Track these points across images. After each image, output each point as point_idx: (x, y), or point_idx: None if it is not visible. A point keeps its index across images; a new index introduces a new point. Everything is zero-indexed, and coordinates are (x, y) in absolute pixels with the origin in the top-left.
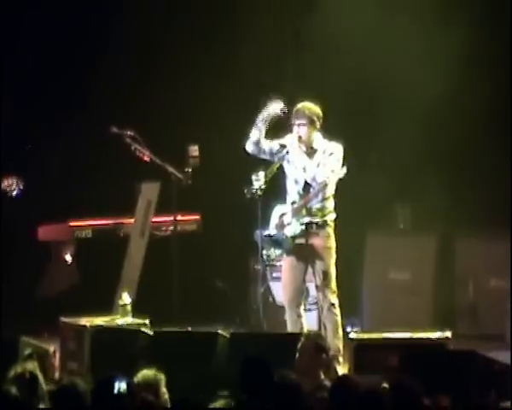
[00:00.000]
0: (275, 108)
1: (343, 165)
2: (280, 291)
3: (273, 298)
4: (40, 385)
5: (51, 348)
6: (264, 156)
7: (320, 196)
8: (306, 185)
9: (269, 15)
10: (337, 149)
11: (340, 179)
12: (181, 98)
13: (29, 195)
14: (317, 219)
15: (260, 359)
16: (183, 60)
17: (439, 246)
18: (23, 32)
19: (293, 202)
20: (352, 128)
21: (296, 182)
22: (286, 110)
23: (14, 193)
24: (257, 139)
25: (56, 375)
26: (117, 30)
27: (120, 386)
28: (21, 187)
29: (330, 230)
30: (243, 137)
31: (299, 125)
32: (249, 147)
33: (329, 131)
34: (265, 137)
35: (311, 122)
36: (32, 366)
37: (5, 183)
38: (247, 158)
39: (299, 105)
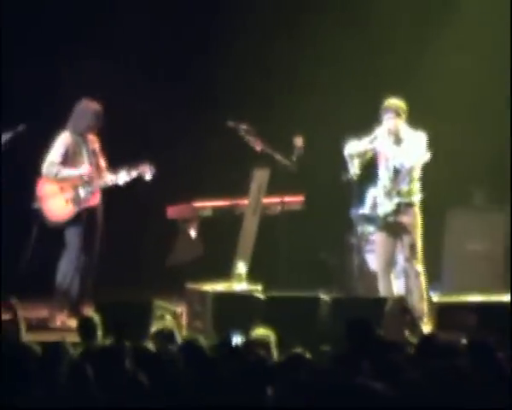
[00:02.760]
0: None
1: (427, 151)
2: (373, 262)
3: (368, 268)
4: (176, 340)
5: (179, 310)
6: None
7: (407, 180)
8: (396, 170)
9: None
10: (421, 137)
11: (425, 164)
12: (288, 91)
13: (160, 179)
14: (405, 200)
15: (364, 319)
16: (291, 57)
17: (509, 221)
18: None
19: (384, 185)
20: (434, 117)
21: (387, 168)
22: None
23: (148, 177)
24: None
25: (184, 332)
26: (232, 30)
27: (237, 341)
28: (153, 172)
29: (416, 209)
30: (342, 128)
31: (387, 119)
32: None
33: (413, 122)
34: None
35: (398, 115)
36: (170, 324)
37: (140, 168)
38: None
39: (387, 102)
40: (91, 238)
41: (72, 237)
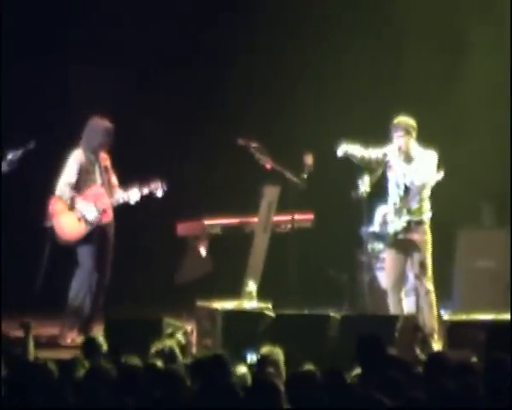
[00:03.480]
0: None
1: (438, 170)
2: (383, 279)
3: (378, 285)
4: (178, 358)
5: (189, 328)
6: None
7: (418, 198)
8: (406, 189)
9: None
10: (432, 156)
11: (436, 183)
12: (299, 108)
13: (171, 196)
14: (415, 218)
15: (375, 336)
16: (299, 72)
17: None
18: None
19: (394, 203)
20: (444, 136)
21: (397, 186)
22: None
23: (159, 194)
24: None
25: (193, 350)
26: (239, 45)
27: (252, 358)
28: (165, 189)
29: (427, 226)
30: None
31: (397, 137)
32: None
33: (423, 140)
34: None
35: (408, 133)
36: (170, 342)
37: (152, 186)
38: (354, 165)
39: (397, 119)
40: (103, 256)
41: (85, 256)
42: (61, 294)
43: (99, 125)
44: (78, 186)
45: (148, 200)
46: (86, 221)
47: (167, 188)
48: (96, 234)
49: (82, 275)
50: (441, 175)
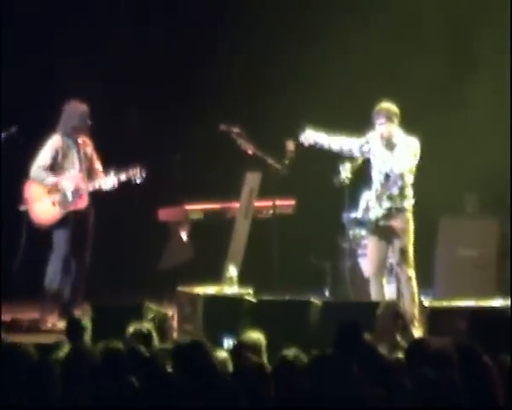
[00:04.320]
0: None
1: (420, 157)
2: (365, 266)
3: (360, 272)
4: (153, 341)
5: (170, 313)
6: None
7: (398, 185)
8: (387, 175)
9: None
10: (414, 143)
11: (416, 169)
12: (279, 97)
13: (151, 182)
14: (396, 205)
15: (354, 323)
16: (283, 58)
17: (501, 228)
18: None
19: (376, 190)
20: (428, 124)
21: (379, 172)
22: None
23: (138, 181)
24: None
25: (174, 335)
26: (225, 33)
27: (229, 343)
28: (144, 176)
29: (408, 213)
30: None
31: (380, 124)
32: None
33: (406, 127)
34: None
35: (390, 120)
36: (148, 325)
37: (130, 172)
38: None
39: (378, 106)
40: (80, 241)
41: (60, 241)
42: (39, 278)
43: (76, 108)
44: (54, 170)
45: (129, 186)
46: (60, 205)
47: (149, 174)
48: (71, 219)
49: (57, 260)
50: (415, 161)
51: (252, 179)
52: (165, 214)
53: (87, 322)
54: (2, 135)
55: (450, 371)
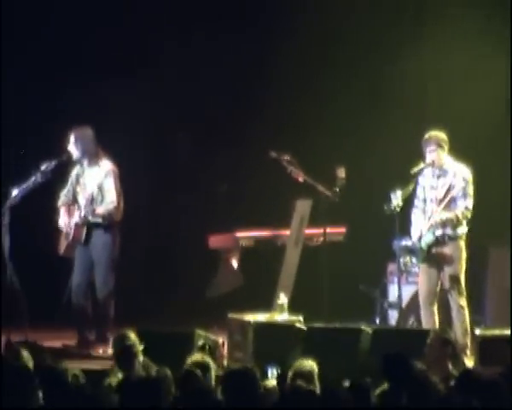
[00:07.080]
0: None
1: (470, 184)
2: (412, 293)
3: (410, 299)
4: (211, 372)
5: (220, 340)
6: None
7: (450, 212)
8: (438, 203)
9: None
10: (464, 169)
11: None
12: (330, 123)
13: (203, 209)
14: (448, 232)
15: (401, 353)
16: (332, 86)
17: None
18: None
19: (428, 217)
20: (480, 151)
21: (431, 200)
22: None
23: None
24: None
25: (225, 362)
26: (271, 59)
27: (273, 373)
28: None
29: (461, 241)
30: (386, 159)
31: (430, 151)
32: None
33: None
34: None
35: (439, 147)
36: (205, 356)
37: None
38: (386, 178)
39: (428, 134)
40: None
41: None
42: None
43: (86, 134)
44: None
45: (180, 213)
46: (66, 236)
47: (200, 201)
48: (77, 249)
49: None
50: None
51: (302, 207)
52: (215, 242)
53: (139, 349)
54: (54, 162)
55: (500, 401)
